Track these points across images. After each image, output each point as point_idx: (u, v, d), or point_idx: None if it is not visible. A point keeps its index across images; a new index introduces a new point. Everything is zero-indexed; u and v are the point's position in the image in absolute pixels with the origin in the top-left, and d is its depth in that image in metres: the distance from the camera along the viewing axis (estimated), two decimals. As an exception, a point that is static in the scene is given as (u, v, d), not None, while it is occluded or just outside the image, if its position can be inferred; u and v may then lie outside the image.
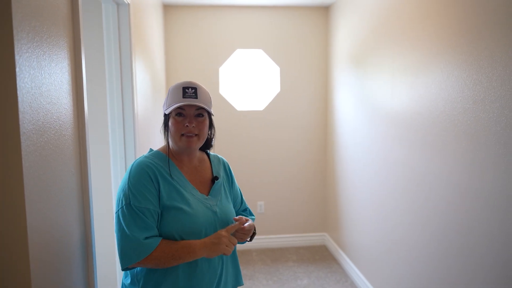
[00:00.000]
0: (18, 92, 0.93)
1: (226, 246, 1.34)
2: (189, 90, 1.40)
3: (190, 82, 1.42)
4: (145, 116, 2.71)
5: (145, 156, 1.42)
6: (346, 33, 3.69)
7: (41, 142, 1.06)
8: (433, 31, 2.19)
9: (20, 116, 0.94)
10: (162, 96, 3.73)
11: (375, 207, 3.07)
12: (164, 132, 1.47)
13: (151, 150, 1.49)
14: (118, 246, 1.30)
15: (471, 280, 1.91)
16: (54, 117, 1.16)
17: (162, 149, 1.48)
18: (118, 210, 1.32)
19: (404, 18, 2.53)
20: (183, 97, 1.39)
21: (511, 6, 1.62)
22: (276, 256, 4.14)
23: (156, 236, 1.31)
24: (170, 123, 1.41)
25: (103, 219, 2.22)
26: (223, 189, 1.53)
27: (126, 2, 2.18)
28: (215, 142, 1.59)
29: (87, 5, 2.08)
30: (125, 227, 1.29)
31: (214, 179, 1.51)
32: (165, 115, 1.45)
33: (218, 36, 4.14)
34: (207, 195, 1.46)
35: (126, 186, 1.33)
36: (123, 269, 1.31)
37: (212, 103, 1.49)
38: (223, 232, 1.36)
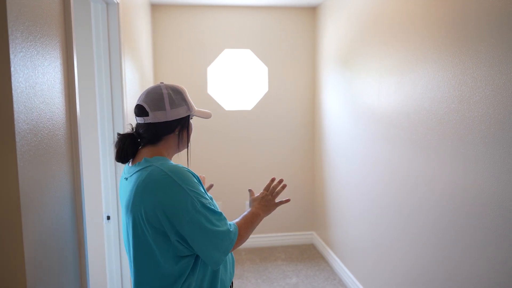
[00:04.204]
0: (13, 92, 0.93)
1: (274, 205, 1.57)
2: None
3: None
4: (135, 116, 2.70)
5: (165, 163, 1.31)
6: (333, 34, 3.73)
7: (35, 142, 1.06)
8: (419, 31, 2.24)
9: (15, 115, 0.94)
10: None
11: (362, 206, 3.12)
12: (183, 133, 1.41)
13: (147, 160, 1.33)
14: (213, 247, 1.26)
15: (459, 277, 1.96)
16: (48, 116, 1.15)
17: (162, 154, 1.38)
18: (192, 218, 1.24)
19: (390, 18, 2.58)
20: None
21: (495, 8, 1.67)
22: (265, 255, 4.17)
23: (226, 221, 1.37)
24: (189, 126, 1.43)
25: (92, 221, 2.21)
26: None
27: (116, 1, 2.17)
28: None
29: (76, 5, 2.06)
30: (211, 227, 1.26)
31: None
32: (185, 117, 1.40)
33: (206, 36, 4.14)
34: None
35: (185, 192, 1.24)
36: (220, 264, 1.32)
37: None
38: (268, 196, 1.58)
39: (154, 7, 4.04)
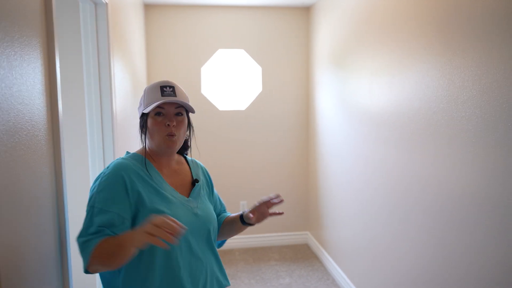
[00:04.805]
0: (-14, 93, 0.92)
1: (148, 233, 1.10)
2: (167, 89, 1.38)
3: (167, 81, 1.41)
4: (124, 116, 2.69)
5: (123, 158, 1.39)
6: (327, 34, 3.72)
7: (12, 143, 1.05)
8: (410, 32, 2.23)
9: (-11, 117, 0.93)
10: (143, 96, 3.70)
11: (357, 206, 3.11)
12: (142, 134, 1.43)
13: (128, 153, 1.46)
14: None
15: (455, 278, 1.96)
16: (26, 117, 1.14)
17: (140, 151, 1.45)
18: (86, 209, 1.31)
19: (382, 19, 2.57)
20: (162, 95, 1.37)
21: (483, 9, 1.67)
22: (259, 255, 4.16)
23: (102, 235, 1.22)
24: (149, 124, 1.38)
25: (81, 222, 2.20)
26: (202, 192, 1.51)
27: (104, 1, 2.16)
28: (195, 142, 1.56)
29: (64, 5, 2.05)
30: (82, 227, 1.28)
31: (195, 181, 1.49)
32: (142, 115, 1.41)
33: (199, 36, 4.13)
34: (187, 197, 1.44)
35: (96, 187, 1.31)
36: (84, 271, 1.26)
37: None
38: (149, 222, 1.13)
39: (147, 7, 4.02)
